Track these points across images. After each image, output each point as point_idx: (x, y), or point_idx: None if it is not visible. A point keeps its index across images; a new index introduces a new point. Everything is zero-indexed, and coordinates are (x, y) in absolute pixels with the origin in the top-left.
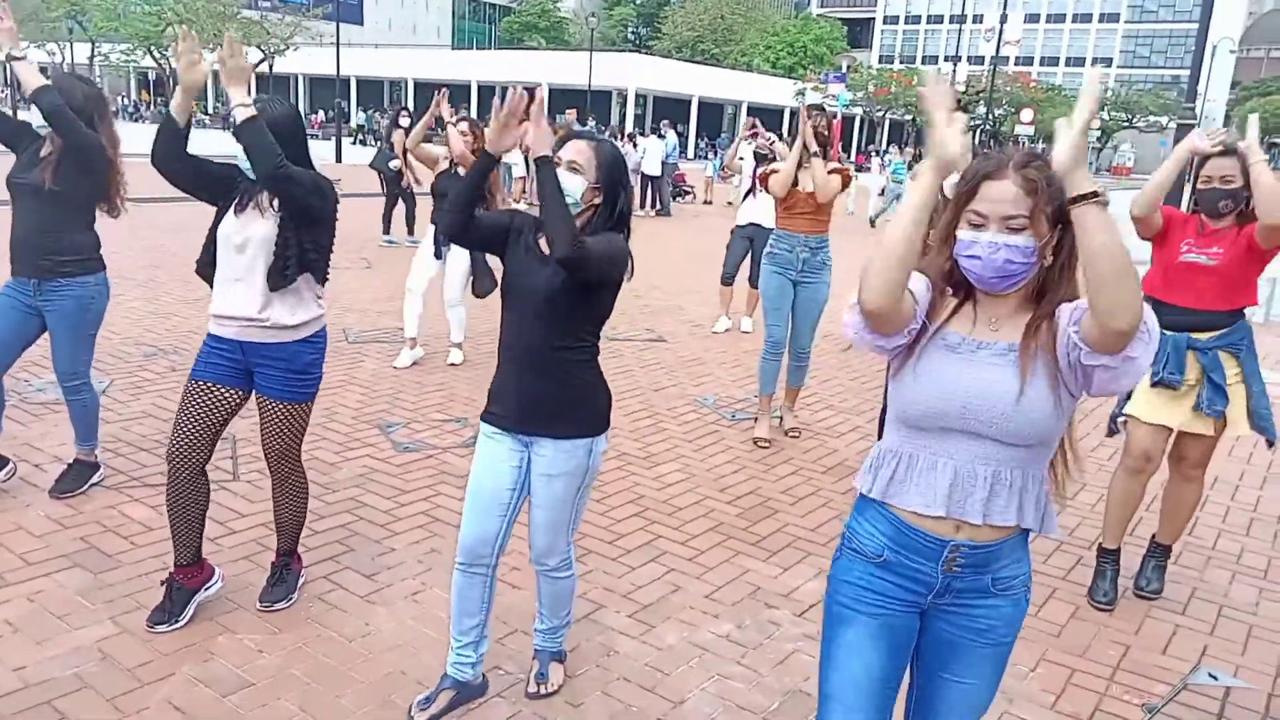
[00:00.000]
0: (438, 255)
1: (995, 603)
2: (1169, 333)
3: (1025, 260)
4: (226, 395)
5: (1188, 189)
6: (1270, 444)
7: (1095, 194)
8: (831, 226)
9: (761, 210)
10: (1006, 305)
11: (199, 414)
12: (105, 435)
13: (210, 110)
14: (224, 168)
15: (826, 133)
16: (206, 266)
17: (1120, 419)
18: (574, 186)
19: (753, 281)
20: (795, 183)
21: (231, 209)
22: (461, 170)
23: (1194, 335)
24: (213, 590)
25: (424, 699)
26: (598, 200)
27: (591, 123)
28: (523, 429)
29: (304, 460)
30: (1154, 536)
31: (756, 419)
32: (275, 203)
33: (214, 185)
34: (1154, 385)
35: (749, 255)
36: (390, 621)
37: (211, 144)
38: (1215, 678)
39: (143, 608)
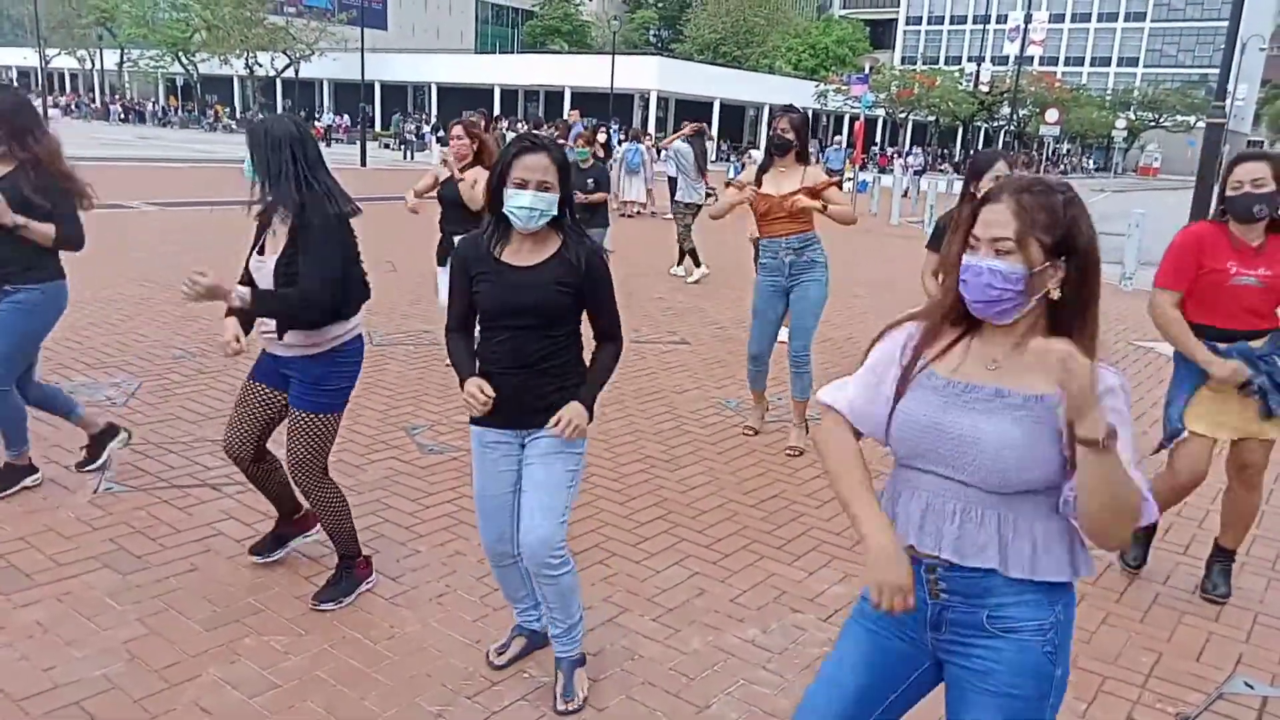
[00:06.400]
0: (442, 262)
1: (995, 644)
2: (1222, 345)
3: (1009, 286)
4: (271, 395)
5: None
6: None
7: (1095, 442)
8: (819, 224)
9: None
10: (1008, 342)
11: (245, 411)
12: (136, 437)
13: (236, 117)
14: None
15: (790, 136)
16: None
17: (1180, 437)
18: (549, 204)
19: None
20: (759, 184)
21: (256, 248)
22: (461, 175)
23: (1249, 344)
24: (312, 537)
25: (500, 645)
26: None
27: (614, 125)
28: (518, 426)
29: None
30: (1217, 540)
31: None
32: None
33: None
34: (1244, 392)
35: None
36: (415, 624)
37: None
38: (1251, 686)
39: (171, 609)
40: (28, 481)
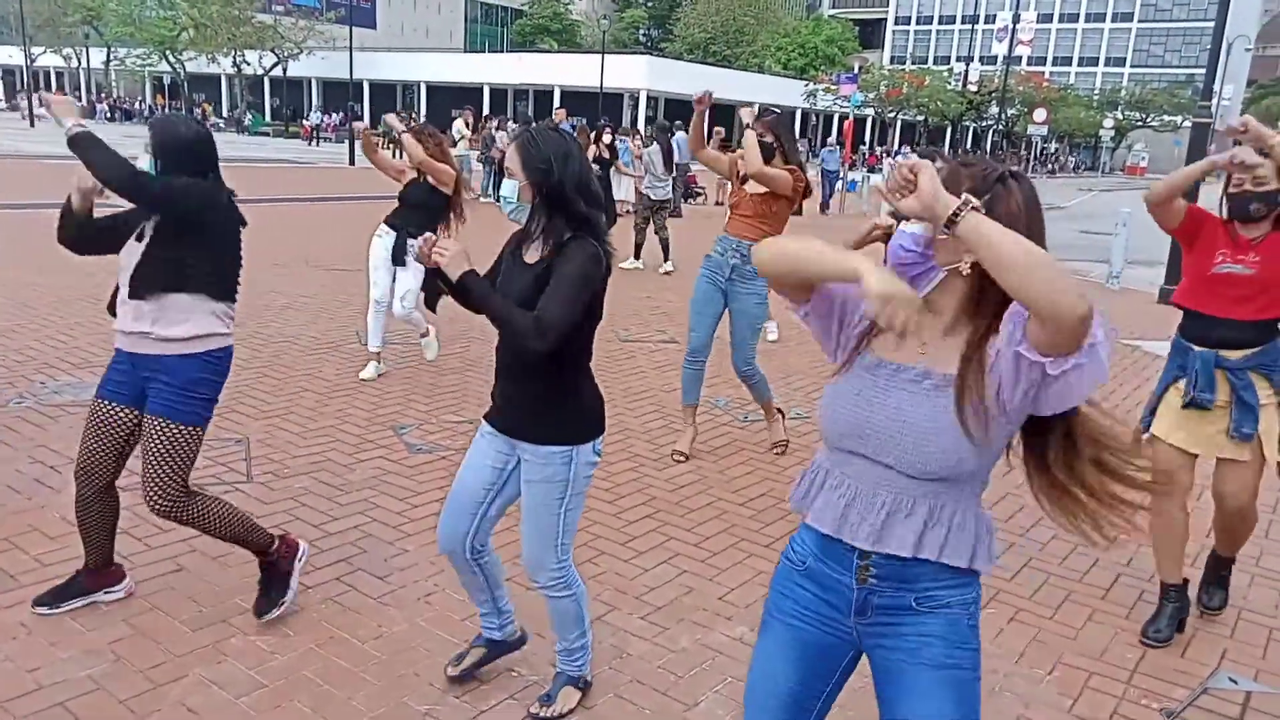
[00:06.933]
0: (399, 262)
1: (924, 619)
2: (1196, 348)
3: (914, 249)
4: (122, 415)
5: (1210, 190)
6: None
7: (958, 209)
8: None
9: None
10: (937, 325)
11: (96, 433)
12: None
13: (224, 115)
14: (129, 215)
15: (768, 139)
16: (114, 299)
17: (1145, 436)
18: (508, 190)
19: None
20: (743, 181)
21: (133, 237)
22: (429, 178)
23: (1224, 354)
24: (113, 596)
25: (458, 655)
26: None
27: (602, 123)
28: (507, 432)
29: (317, 462)
30: (1214, 548)
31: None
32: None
33: (121, 236)
34: (1185, 407)
35: None
36: (403, 623)
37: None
38: (1235, 682)
39: (156, 610)
40: None
